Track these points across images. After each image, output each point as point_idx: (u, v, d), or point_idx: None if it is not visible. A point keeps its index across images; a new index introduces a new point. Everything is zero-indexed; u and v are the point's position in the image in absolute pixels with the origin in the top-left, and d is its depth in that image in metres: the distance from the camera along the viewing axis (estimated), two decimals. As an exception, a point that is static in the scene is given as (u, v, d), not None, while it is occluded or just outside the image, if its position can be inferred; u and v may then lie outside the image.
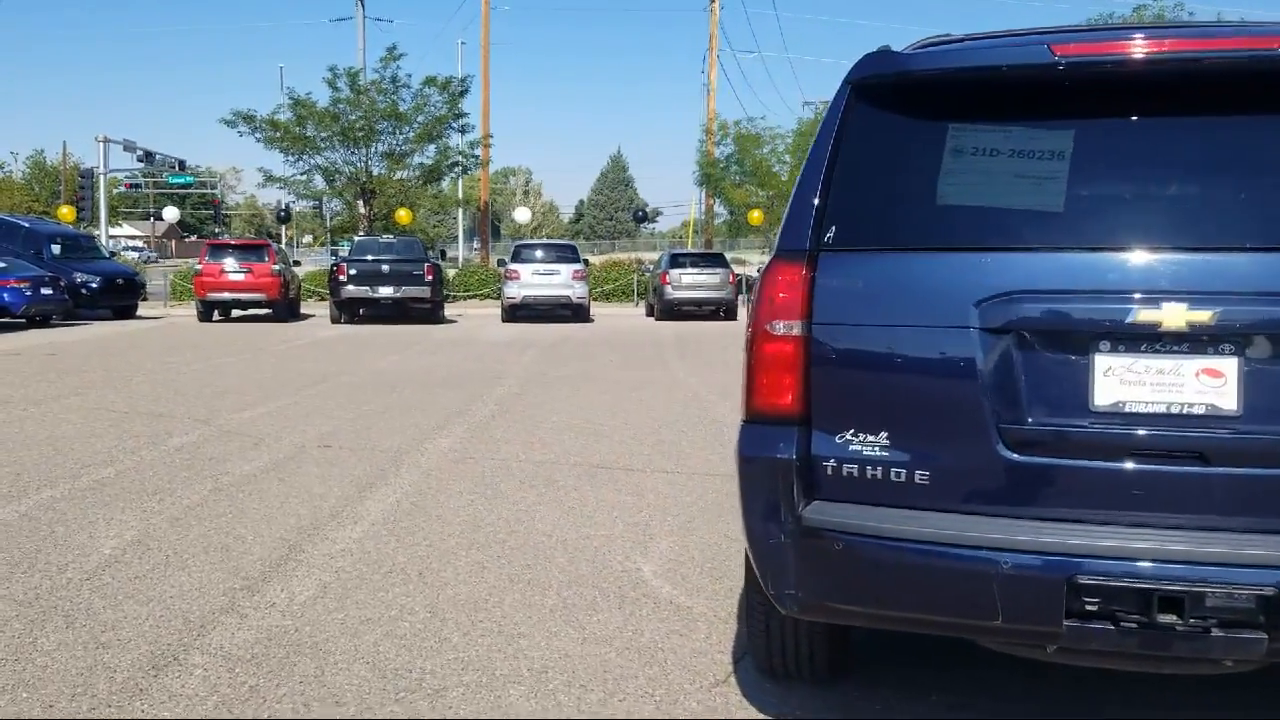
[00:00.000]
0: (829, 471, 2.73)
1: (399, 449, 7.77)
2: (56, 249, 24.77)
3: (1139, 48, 2.60)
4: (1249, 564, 2.37)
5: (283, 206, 43.28)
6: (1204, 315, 2.46)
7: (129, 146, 41.13)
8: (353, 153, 33.59)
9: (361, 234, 30.39)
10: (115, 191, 53.54)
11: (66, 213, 37.90)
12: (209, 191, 64.66)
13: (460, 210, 52.59)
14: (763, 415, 2.83)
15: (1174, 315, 2.47)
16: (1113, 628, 2.44)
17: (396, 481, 6.65)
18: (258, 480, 6.65)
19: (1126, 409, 2.54)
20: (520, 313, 24.58)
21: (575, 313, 24.83)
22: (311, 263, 46.36)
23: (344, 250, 30.32)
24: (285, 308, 24.56)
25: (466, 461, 7.34)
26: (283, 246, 39.45)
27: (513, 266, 24.86)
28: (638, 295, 31.97)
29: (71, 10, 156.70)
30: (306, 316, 25.96)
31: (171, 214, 51.40)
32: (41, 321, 21.56)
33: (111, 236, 44.97)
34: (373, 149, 33.57)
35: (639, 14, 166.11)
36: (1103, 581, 2.42)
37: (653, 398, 10.89)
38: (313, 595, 4.41)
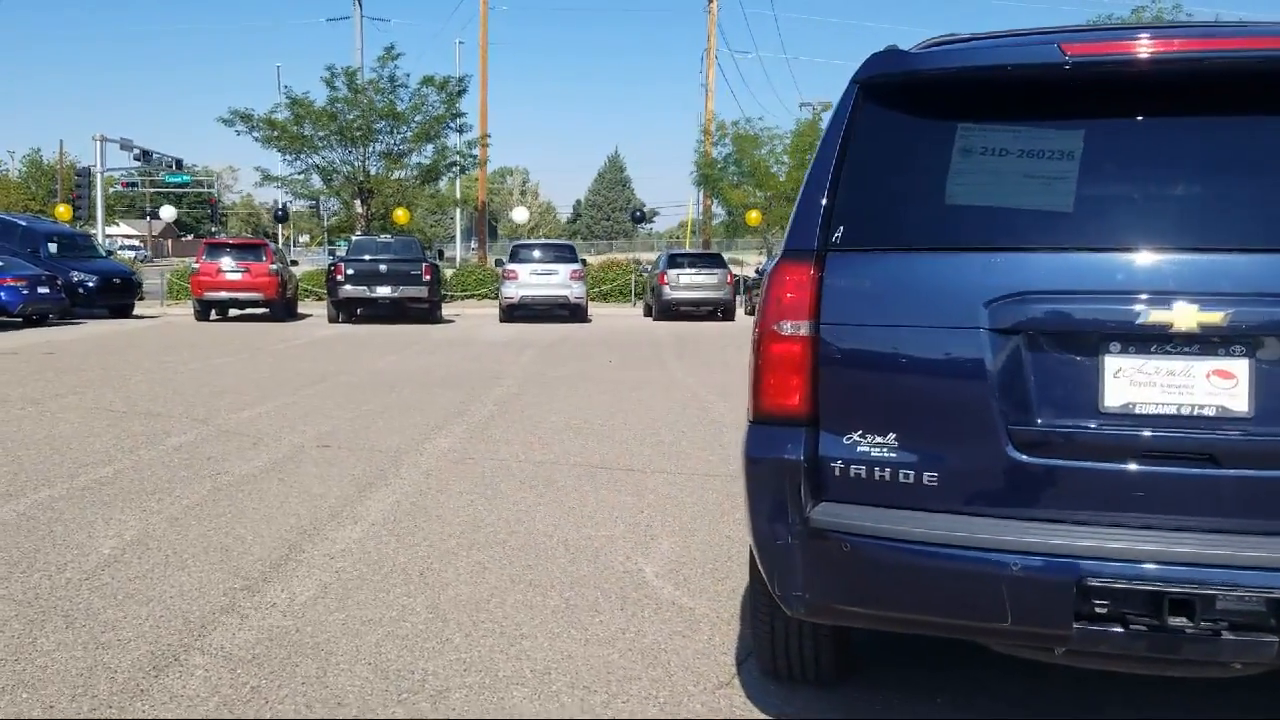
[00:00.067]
0: (837, 473, 2.71)
1: (398, 449, 7.75)
2: (53, 248, 24.72)
3: (1150, 47, 2.58)
4: (1260, 566, 2.36)
5: (280, 206, 43.21)
6: (1215, 316, 2.45)
7: (126, 145, 41.14)
8: (350, 152, 33.54)
9: (359, 234, 30.34)
10: (112, 190, 53.52)
11: (63, 211, 37.92)
12: (205, 191, 64.57)
13: (458, 210, 52.57)
14: (770, 416, 2.81)
15: (1185, 316, 2.46)
16: (1122, 630, 2.42)
17: (396, 481, 6.63)
18: (257, 480, 6.63)
19: (1137, 410, 2.52)
20: (518, 313, 24.57)
21: (573, 313, 24.82)
22: (309, 262, 46.36)
23: (341, 250, 30.27)
24: (282, 307, 24.53)
25: (466, 462, 7.32)
26: (280, 246, 39.37)
27: (511, 266, 24.84)
28: (635, 295, 31.96)
29: (69, 9, 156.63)
30: (304, 316, 25.93)
31: (168, 213, 51.28)
32: (38, 320, 21.52)
33: (108, 235, 44.89)
34: (370, 148, 33.51)
35: (637, 14, 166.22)
36: (1112, 584, 2.41)
37: (651, 398, 10.88)
38: (313, 595, 4.39)
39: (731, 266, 28.29)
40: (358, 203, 34.13)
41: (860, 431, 2.70)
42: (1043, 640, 2.59)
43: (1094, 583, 2.41)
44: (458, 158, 35.65)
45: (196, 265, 24.51)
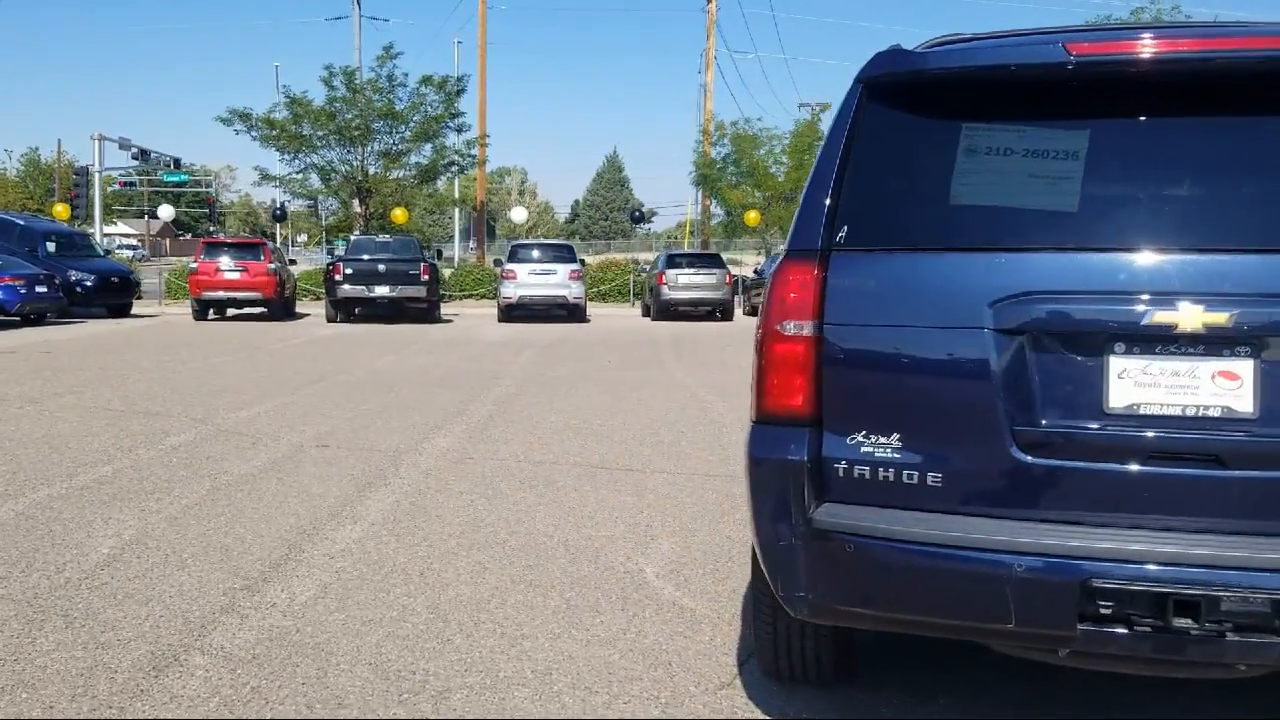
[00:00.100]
0: (840, 473, 2.70)
1: (397, 449, 7.74)
2: (51, 247, 24.68)
3: (1156, 47, 2.57)
4: (1265, 568, 2.35)
5: (278, 205, 43.17)
6: (1220, 317, 2.44)
7: (124, 144, 41.08)
8: (349, 151, 33.52)
9: (357, 233, 30.33)
10: (110, 189, 53.49)
11: (61, 210, 37.86)
12: (204, 190, 64.59)
13: (456, 210, 52.54)
14: (773, 416, 2.80)
15: (1190, 317, 2.45)
16: (1126, 631, 2.42)
17: (396, 481, 6.62)
18: (256, 480, 6.62)
19: (1141, 411, 2.52)
20: (517, 312, 24.55)
21: (572, 313, 24.80)
22: (307, 262, 46.32)
23: (340, 249, 30.25)
24: (281, 307, 24.51)
25: (466, 462, 7.31)
26: (278, 245, 39.34)
27: (509, 266, 24.82)
28: (634, 296, 31.94)
29: (67, 8, 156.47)
30: (302, 316, 25.90)
31: (166, 212, 51.18)
32: (36, 319, 21.49)
33: (106, 235, 44.86)
34: (369, 148, 33.49)
35: (635, 14, 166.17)
36: (1117, 585, 2.40)
37: (651, 398, 10.87)
38: (313, 595, 4.38)
39: (730, 267, 28.28)
40: (356, 202, 34.11)
41: (864, 432, 2.69)
42: (1047, 642, 2.58)
43: (1098, 584, 2.40)
44: (456, 157, 35.63)
45: (195, 264, 24.47)
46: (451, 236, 62.19)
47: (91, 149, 40.11)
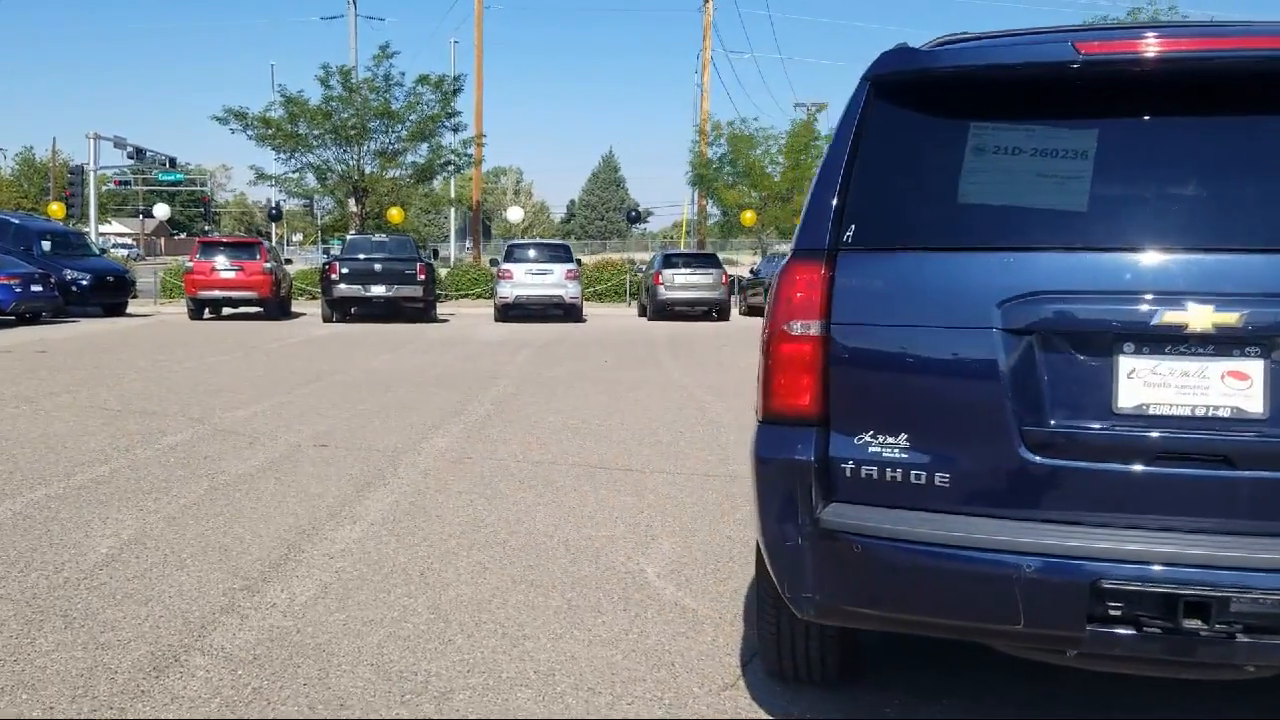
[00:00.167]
0: (847, 473, 2.69)
1: (396, 449, 7.71)
2: (46, 246, 24.59)
3: (1166, 46, 2.56)
4: (1275, 569, 2.34)
5: (274, 204, 43.10)
6: (1230, 317, 2.43)
7: (119, 143, 40.95)
8: (345, 151, 33.43)
9: (353, 232, 30.23)
10: (105, 189, 53.35)
11: (56, 209, 37.75)
12: (199, 189, 64.50)
13: (452, 209, 52.47)
14: (780, 416, 2.78)
15: (1200, 317, 2.44)
16: (1135, 633, 2.41)
17: (394, 481, 6.60)
18: (254, 480, 6.59)
19: (1150, 411, 2.51)
20: (513, 312, 24.52)
21: (568, 313, 24.77)
22: (303, 261, 46.18)
23: (335, 249, 30.17)
24: (276, 306, 24.44)
25: (464, 461, 7.29)
26: (274, 245, 39.25)
27: (506, 266, 24.77)
28: (630, 296, 31.92)
29: (64, 8, 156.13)
30: (298, 315, 25.83)
31: (162, 211, 51.15)
32: (31, 319, 21.42)
33: (101, 234, 44.76)
34: (365, 147, 33.41)
35: (632, 14, 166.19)
36: (1126, 586, 2.39)
37: (648, 398, 10.85)
38: (313, 596, 4.36)
39: (726, 266, 28.26)
40: (352, 202, 34.03)
41: (871, 432, 2.68)
42: (1055, 643, 2.57)
43: (1107, 585, 2.39)
44: (452, 157, 35.56)
45: (190, 264, 24.40)
46: (447, 236, 62.16)
47: (87, 148, 40.02)
